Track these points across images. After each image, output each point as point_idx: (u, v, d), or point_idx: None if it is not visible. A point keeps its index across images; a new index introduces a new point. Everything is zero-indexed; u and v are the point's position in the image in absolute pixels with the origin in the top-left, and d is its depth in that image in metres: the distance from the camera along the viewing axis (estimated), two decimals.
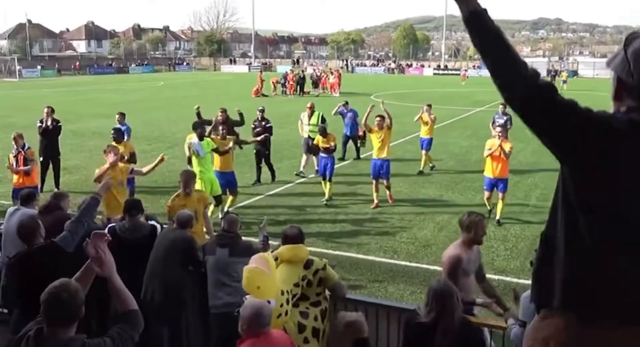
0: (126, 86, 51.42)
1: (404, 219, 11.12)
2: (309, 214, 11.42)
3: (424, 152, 14.92)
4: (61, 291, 3.11)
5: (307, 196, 12.66)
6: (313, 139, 13.23)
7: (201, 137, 10.48)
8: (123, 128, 13.26)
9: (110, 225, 5.96)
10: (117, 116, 13.83)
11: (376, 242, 9.86)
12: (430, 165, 15.18)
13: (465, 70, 63.34)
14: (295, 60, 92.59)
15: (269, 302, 4.21)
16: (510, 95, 2.08)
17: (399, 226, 10.70)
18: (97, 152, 18.11)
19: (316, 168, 13.61)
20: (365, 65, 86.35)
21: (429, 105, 15.53)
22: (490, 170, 10.83)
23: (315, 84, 42.81)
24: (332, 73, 44.78)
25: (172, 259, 5.78)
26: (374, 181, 11.80)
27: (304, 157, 14.41)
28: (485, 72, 48.37)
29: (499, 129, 12.99)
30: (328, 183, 11.98)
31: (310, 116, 14.77)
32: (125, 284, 3.39)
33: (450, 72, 74.14)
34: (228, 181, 11.05)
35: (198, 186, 9.59)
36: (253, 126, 13.98)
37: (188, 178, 7.76)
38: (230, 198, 11.15)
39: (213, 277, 5.67)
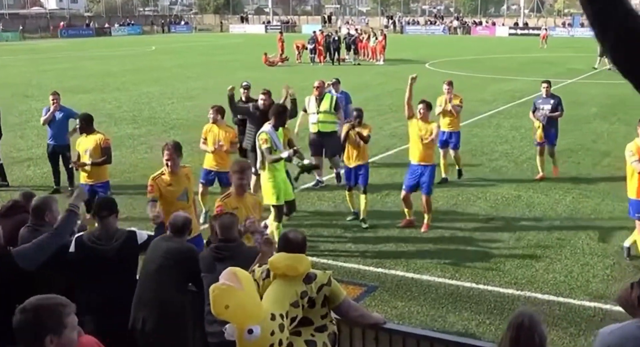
0: (108, 52, 52.18)
1: (466, 228, 11.04)
2: (337, 219, 11.42)
3: (451, 151, 13.71)
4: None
5: (330, 201, 12.67)
6: (323, 134, 12.69)
7: (280, 125, 9.89)
8: (59, 115, 13.21)
9: (77, 234, 6.04)
10: (50, 98, 13.12)
11: (431, 258, 9.84)
12: (458, 168, 13.81)
13: (546, 30, 62.27)
14: (327, 17, 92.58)
15: (250, 332, 4.20)
16: (603, 27, 2.18)
17: (461, 236, 10.65)
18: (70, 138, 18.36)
19: (338, 171, 12.62)
20: (418, 24, 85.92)
21: (449, 83, 13.92)
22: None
23: (349, 48, 42.65)
24: (374, 34, 44.64)
25: (168, 275, 5.83)
26: (403, 193, 10.94)
27: (313, 159, 12.43)
28: (579, 32, 48.64)
29: (541, 117, 13.10)
30: (363, 196, 11.09)
31: (319, 100, 13.00)
32: (101, 306, 3.43)
33: (531, 31, 73.24)
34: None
35: (268, 191, 9.61)
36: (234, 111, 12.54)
37: (243, 169, 7.64)
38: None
39: (207, 306, 5.69)
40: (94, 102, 25.58)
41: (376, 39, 43.07)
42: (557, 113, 13.70)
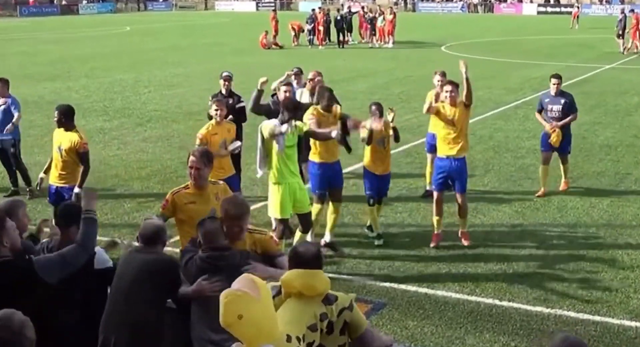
0: (75, 34, 52.19)
1: (488, 236, 11.04)
2: (338, 226, 11.43)
3: (429, 157, 12.89)
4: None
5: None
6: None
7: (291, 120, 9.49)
8: (1, 106, 13.17)
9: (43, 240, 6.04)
10: None
11: (447, 271, 9.84)
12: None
13: (578, 7, 62.21)
14: None
15: None
16: None
17: (482, 246, 10.65)
18: (31, 132, 18.39)
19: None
20: (432, 1, 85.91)
21: (443, 74, 12.91)
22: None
23: (349, 28, 42.56)
24: (381, 13, 44.67)
25: (142, 291, 5.82)
26: (436, 194, 10.69)
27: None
28: (618, 10, 48.13)
29: (551, 120, 12.67)
30: (378, 207, 10.88)
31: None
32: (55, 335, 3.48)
33: (563, 9, 73.34)
34: (335, 175, 10.59)
35: (271, 200, 9.48)
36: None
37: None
38: (332, 211, 10.51)
39: (198, 325, 5.69)
40: (59, 90, 25.61)
41: (384, 18, 43.09)
42: (569, 119, 12.95)
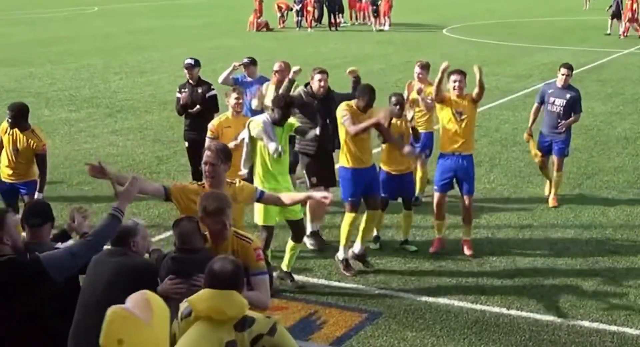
0: (37, 14, 51.97)
1: (494, 238, 11.08)
2: (328, 227, 11.43)
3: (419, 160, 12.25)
4: None
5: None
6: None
7: (283, 119, 9.42)
8: None
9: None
10: None
11: (449, 277, 9.86)
12: (421, 195, 12.45)
13: None
14: None
15: None
16: None
17: (487, 249, 10.68)
18: None
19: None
20: None
21: (423, 67, 12.85)
22: None
23: (340, 9, 42.40)
24: None
25: (117, 298, 5.78)
26: (438, 196, 10.58)
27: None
28: None
29: (550, 114, 12.21)
30: (409, 212, 10.79)
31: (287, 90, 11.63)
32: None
33: None
34: (372, 182, 10.16)
35: (258, 206, 9.12)
36: (179, 97, 12.41)
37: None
38: (366, 220, 10.13)
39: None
40: (20, 77, 25.53)
41: None
42: (570, 121, 12.54)
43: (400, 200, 10.84)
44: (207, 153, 6.99)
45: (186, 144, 12.42)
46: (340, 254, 9.91)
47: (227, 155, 7.06)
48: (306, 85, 11.03)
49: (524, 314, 8.79)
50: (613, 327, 8.39)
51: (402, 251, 10.58)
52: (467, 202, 10.49)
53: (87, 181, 13.82)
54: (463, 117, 10.27)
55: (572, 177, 13.56)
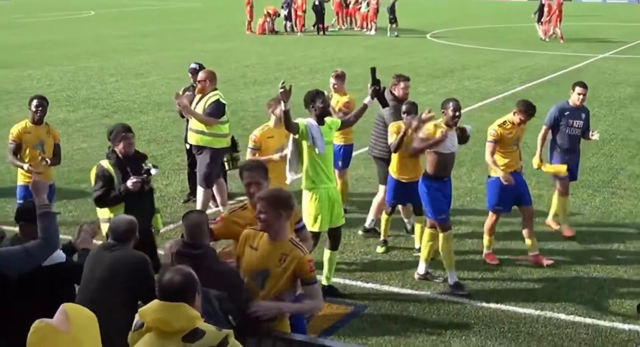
0: (35, 18, 51.73)
1: (475, 234, 11.09)
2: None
3: (336, 172, 11.03)
4: None
5: None
6: (195, 147, 11.28)
7: (322, 117, 8.99)
8: None
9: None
10: None
11: (431, 271, 9.87)
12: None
13: None
14: None
15: None
16: None
17: (468, 244, 10.72)
18: None
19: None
20: None
21: (338, 76, 12.13)
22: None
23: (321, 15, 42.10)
24: None
25: (114, 292, 5.78)
26: (496, 216, 10.16)
27: (199, 190, 11.37)
28: None
29: (568, 138, 10.93)
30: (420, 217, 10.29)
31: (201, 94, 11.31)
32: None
33: None
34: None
35: (306, 211, 8.73)
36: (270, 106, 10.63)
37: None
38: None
39: None
40: (19, 79, 25.41)
41: (368, 4, 43.12)
42: (593, 137, 11.37)
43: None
44: (246, 173, 6.65)
45: (187, 145, 12.11)
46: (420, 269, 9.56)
47: (266, 171, 6.85)
48: (390, 91, 10.84)
49: (503, 307, 8.84)
50: (588, 320, 8.46)
51: (388, 245, 10.58)
52: (531, 210, 10.18)
53: (84, 178, 13.75)
54: (518, 143, 10.17)
55: (550, 176, 13.61)
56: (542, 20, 38.00)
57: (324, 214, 8.73)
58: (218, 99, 11.07)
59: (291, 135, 8.83)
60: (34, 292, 5.84)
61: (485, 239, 10.16)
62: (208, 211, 10.87)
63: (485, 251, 10.18)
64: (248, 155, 9.70)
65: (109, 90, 23.37)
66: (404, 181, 10.16)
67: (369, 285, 9.33)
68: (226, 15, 48.70)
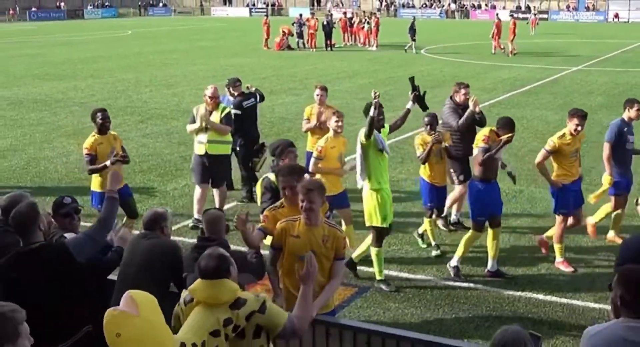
0: (80, 37, 51.92)
1: (465, 226, 11.08)
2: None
3: (459, 188, 10.81)
4: None
5: None
6: (212, 157, 10.96)
7: (380, 126, 8.96)
8: None
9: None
10: None
11: (426, 257, 9.87)
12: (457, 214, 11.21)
13: (535, 15, 62.16)
14: None
15: None
16: None
17: (458, 234, 10.67)
18: (40, 128, 18.35)
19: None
20: (413, 7, 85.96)
21: (323, 88, 11.68)
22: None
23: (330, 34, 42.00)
24: (366, 20, 44.75)
25: (151, 276, 5.81)
26: (567, 218, 9.58)
27: (198, 191, 11.20)
28: (584, 16, 49.34)
29: (628, 153, 10.08)
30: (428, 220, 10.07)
31: (210, 110, 11.06)
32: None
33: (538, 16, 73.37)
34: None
35: (371, 209, 8.64)
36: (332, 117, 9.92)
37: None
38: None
39: None
40: (66, 90, 25.50)
41: (369, 23, 43.16)
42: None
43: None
44: (302, 190, 5.96)
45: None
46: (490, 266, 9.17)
47: (322, 189, 6.24)
48: (450, 97, 10.84)
49: (488, 288, 8.82)
50: (564, 300, 8.42)
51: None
52: (582, 212, 9.87)
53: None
54: (577, 153, 9.65)
55: (529, 173, 13.56)
56: (493, 36, 38.83)
57: (388, 211, 8.71)
58: (229, 111, 11.24)
59: (359, 144, 8.70)
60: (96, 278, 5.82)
61: (556, 247, 9.43)
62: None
63: (558, 259, 9.44)
64: (312, 166, 9.38)
65: (144, 99, 23.42)
66: (437, 185, 9.97)
67: (371, 269, 9.29)
68: (245, 35, 48.71)
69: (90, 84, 27.23)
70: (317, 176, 9.26)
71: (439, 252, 9.90)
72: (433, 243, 10.05)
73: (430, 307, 8.33)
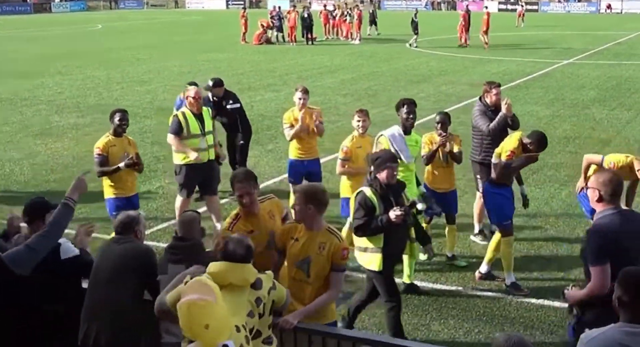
0: (48, 32, 51.57)
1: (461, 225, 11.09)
2: None
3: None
4: None
5: None
6: (208, 164, 10.55)
7: (407, 127, 8.90)
8: None
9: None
10: None
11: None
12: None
13: (522, 6, 62.37)
14: None
15: None
16: None
17: (445, 236, 10.68)
18: (5, 128, 18.21)
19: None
20: None
21: (305, 90, 10.93)
22: None
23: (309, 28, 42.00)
24: (348, 11, 44.78)
25: (123, 282, 5.78)
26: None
27: (184, 201, 10.63)
28: (575, 7, 49.67)
29: None
30: (454, 227, 9.89)
31: (197, 114, 10.47)
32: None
33: (527, 7, 73.77)
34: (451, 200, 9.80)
35: None
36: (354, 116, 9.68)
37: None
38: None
39: None
40: (32, 87, 25.32)
41: (351, 16, 43.21)
42: None
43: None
44: (237, 186, 6.21)
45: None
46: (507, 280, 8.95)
47: (254, 179, 6.37)
48: (480, 98, 10.46)
49: (478, 293, 8.82)
50: (556, 303, 8.43)
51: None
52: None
53: (93, 178, 13.69)
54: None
55: (520, 171, 13.60)
56: (460, 28, 39.22)
57: None
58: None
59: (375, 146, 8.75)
60: (65, 285, 5.82)
61: None
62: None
63: None
64: (339, 167, 9.24)
65: (115, 97, 23.30)
66: (439, 191, 9.61)
67: (354, 274, 9.24)
68: (224, 28, 48.60)
69: (58, 81, 27.04)
70: (344, 178, 9.39)
71: (463, 262, 9.71)
72: (450, 254, 9.80)
73: (417, 312, 8.32)
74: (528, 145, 8.81)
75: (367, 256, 7.26)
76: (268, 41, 41.41)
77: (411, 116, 8.95)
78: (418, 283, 9.03)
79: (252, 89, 24.27)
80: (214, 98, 12.52)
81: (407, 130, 8.96)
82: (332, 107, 19.84)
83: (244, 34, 41.61)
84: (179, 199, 10.67)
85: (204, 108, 10.71)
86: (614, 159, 9.19)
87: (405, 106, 8.99)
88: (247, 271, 4.90)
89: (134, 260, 5.88)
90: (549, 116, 19.30)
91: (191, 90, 10.61)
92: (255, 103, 21.41)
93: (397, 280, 9.07)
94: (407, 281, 8.89)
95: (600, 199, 5.56)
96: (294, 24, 41.76)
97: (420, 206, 7.39)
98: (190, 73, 27.24)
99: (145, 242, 6.48)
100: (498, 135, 9.80)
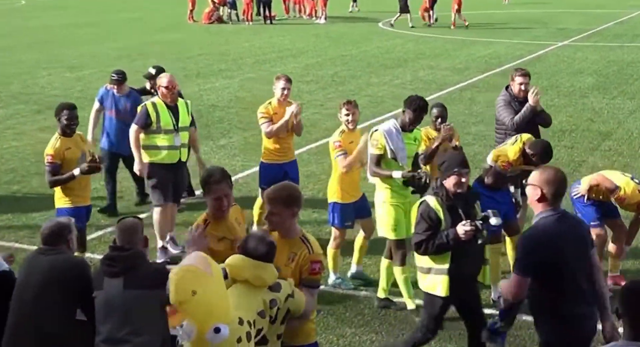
0: None
1: None
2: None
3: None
4: None
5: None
6: (180, 165, 10.43)
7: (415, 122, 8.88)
8: None
9: None
10: None
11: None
12: None
13: None
14: None
15: (217, 330, 4.51)
16: None
17: None
18: None
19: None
20: None
21: (287, 79, 10.87)
22: None
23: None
24: None
25: (52, 298, 5.77)
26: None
27: (164, 211, 10.36)
28: None
29: None
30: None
31: (172, 106, 10.20)
32: None
33: None
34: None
35: (383, 219, 8.73)
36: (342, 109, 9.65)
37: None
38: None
39: (102, 326, 5.64)
40: None
41: None
42: None
43: None
44: (214, 188, 6.29)
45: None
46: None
47: (229, 179, 6.52)
48: (507, 87, 10.51)
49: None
50: None
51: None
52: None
53: (15, 180, 13.62)
54: None
55: None
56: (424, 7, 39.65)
57: (401, 221, 8.62)
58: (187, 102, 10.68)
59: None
60: None
61: (610, 262, 9.46)
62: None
63: (610, 273, 9.42)
64: (341, 162, 9.22)
65: (42, 84, 23.09)
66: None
67: (323, 287, 9.22)
68: (168, 5, 48.39)
69: None
70: (333, 181, 9.55)
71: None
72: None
73: (393, 331, 8.35)
74: (531, 156, 8.90)
75: (431, 279, 7.11)
76: (220, 20, 41.24)
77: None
78: (393, 298, 9.00)
79: (200, 75, 24.17)
80: (154, 90, 11.63)
81: (405, 128, 8.79)
82: (295, 96, 19.78)
83: (191, 11, 41.42)
84: (156, 210, 10.24)
85: (181, 100, 10.42)
86: (629, 191, 9.01)
87: (411, 106, 8.72)
88: (267, 271, 5.24)
89: (65, 273, 5.84)
90: (542, 106, 19.42)
91: (163, 79, 10.20)
92: (205, 92, 21.33)
93: (370, 294, 9.14)
94: (382, 296, 8.94)
95: (541, 199, 5.65)
96: (249, 0, 41.70)
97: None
98: (129, 57, 27.08)
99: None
100: (523, 130, 9.76)
